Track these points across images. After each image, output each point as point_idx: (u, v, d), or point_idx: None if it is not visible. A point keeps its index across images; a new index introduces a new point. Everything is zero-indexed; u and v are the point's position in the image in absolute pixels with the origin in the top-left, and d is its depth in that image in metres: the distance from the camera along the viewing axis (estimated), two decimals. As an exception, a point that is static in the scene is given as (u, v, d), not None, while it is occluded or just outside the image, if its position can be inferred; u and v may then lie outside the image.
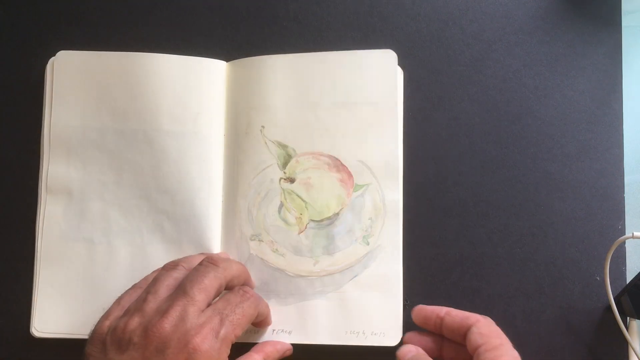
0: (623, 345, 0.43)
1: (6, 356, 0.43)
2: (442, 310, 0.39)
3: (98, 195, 0.43)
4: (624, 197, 0.44)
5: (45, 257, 0.43)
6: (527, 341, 0.43)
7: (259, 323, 0.42)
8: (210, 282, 0.37)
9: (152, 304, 0.36)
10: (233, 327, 0.36)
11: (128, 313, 0.36)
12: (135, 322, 0.35)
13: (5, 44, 0.46)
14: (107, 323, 0.36)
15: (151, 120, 0.43)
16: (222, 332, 0.35)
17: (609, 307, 0.42)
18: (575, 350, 0.43)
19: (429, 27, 0.46)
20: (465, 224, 0.44)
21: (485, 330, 0.37)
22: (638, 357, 0.42)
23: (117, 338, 0.35)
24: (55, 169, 0.43)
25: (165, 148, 0.43)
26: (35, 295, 0.42)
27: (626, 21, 0.46)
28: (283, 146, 0.44)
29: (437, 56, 0.45)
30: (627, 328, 0.42)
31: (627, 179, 0.44)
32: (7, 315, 0.43)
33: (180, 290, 0.36)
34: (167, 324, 0.34)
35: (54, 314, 0.42)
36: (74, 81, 0.44)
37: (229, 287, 0.39)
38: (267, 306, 0.41)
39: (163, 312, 0.35)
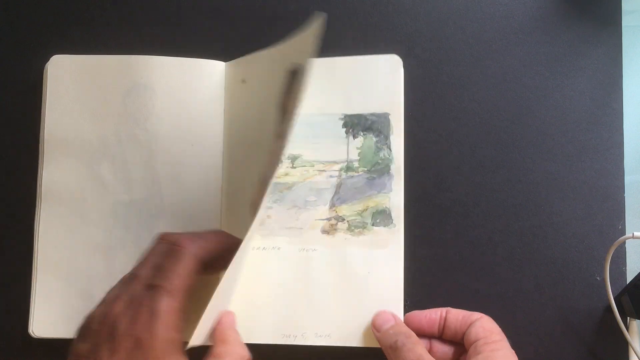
0: (623, 345, 0.43)
1: (5, 357, 0.43)
2: (442, 310, 0.40)
3: (96, 199, 0.43)
4: (624, 197, 0.44)
5: (43, 260, 0.42)
6: (527, 341, 0.43)
7: (219, 262, 0.36)
8: (156, 258, 0.34)
9: (115, 290, 0.34)
10: (171, 296, 0.33)
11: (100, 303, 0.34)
12: (99, 310, 0.33)
13: (5, 47, 0.46)
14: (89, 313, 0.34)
15: (149, 123, 0.43)
16: (162, 306, 0.32)
17: (609, 307, 0.42)
18: (575, 350, 0.43)
19: (429, 27, 0.46)
20: (465, 224, 0.44)
21: (488, 326, 0.38)
22: (638, 357, 0.42)
23: (80, 327, 0.33)
24: (52, 173, 0.43)
25: (164, 151, 0.43)
26: (34, 296, 0.42)
27: (626, 21, 0.46)
28: None
29: (437, 56, 0.45)
30: (627, 328, 0.42)
31: (627, 179, 0.44)
32: (6, 315, 0.43)
33: (130, 273, 0.34)
34: (117, 307, 0.32)
35: (52, 315, 0.42)
36: (69, 85, 0.44)
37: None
38: (216, 240, 0.36)
39: (116, 297, 0.33)
